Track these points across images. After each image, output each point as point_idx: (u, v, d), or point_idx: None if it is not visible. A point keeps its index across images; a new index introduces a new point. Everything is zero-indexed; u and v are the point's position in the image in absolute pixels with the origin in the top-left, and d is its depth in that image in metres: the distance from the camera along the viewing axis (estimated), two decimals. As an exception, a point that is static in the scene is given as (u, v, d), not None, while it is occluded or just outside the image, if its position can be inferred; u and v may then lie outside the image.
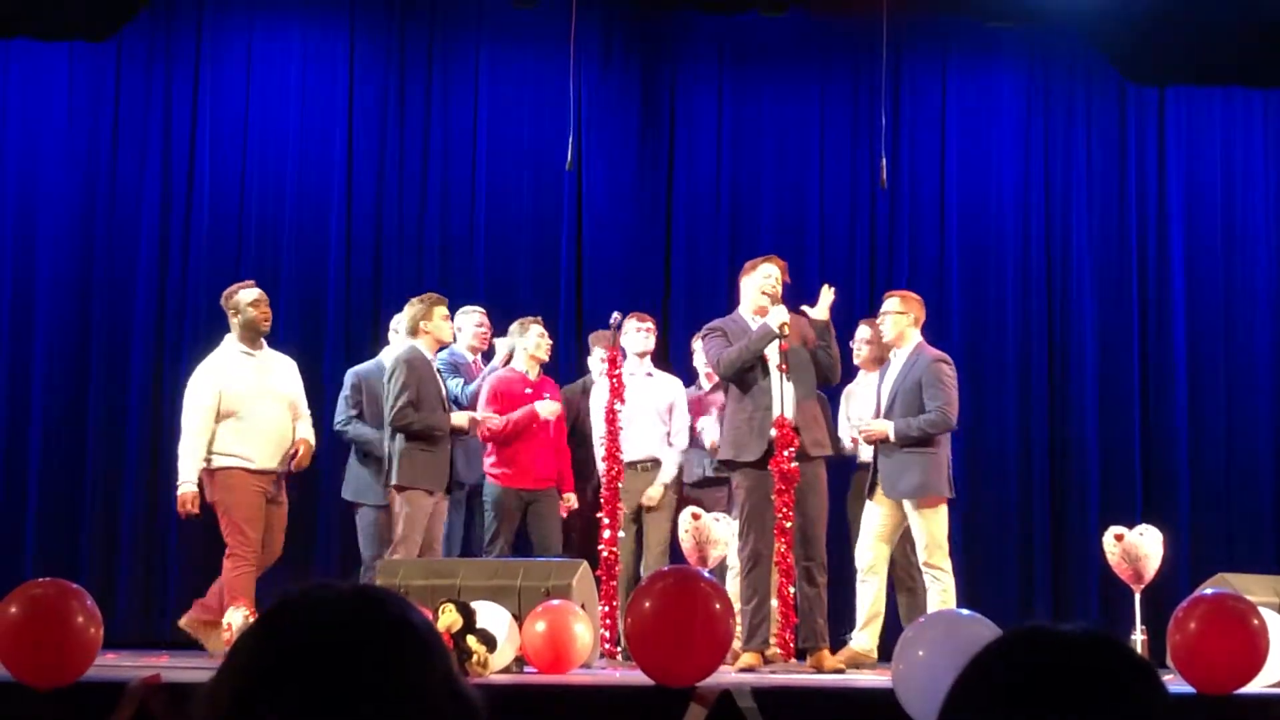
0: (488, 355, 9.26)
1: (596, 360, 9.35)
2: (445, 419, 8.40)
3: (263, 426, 8.16)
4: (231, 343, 8.29)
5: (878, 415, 8.25)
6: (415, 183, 10.86)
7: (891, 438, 8.04)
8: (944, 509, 8.07)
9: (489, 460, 8.83)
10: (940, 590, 7.95)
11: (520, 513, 8.83)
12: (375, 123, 10.87)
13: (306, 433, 8.35)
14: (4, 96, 10.54)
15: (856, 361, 9.14)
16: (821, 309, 7.92)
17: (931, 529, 7.99)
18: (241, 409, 8.12)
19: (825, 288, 8.00)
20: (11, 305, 10.33)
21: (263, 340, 8.34)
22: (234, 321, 8.29)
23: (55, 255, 10.39)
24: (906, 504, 8.04)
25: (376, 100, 10.89)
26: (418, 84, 10.95)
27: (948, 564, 8.02)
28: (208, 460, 8.07)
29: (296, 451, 8.27)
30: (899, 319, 8.28)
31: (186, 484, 8.08)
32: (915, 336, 8.31)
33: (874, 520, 8.18)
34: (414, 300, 8.66)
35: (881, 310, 8.41)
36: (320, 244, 10.64)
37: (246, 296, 8.28)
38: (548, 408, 8.75)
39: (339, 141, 10.76)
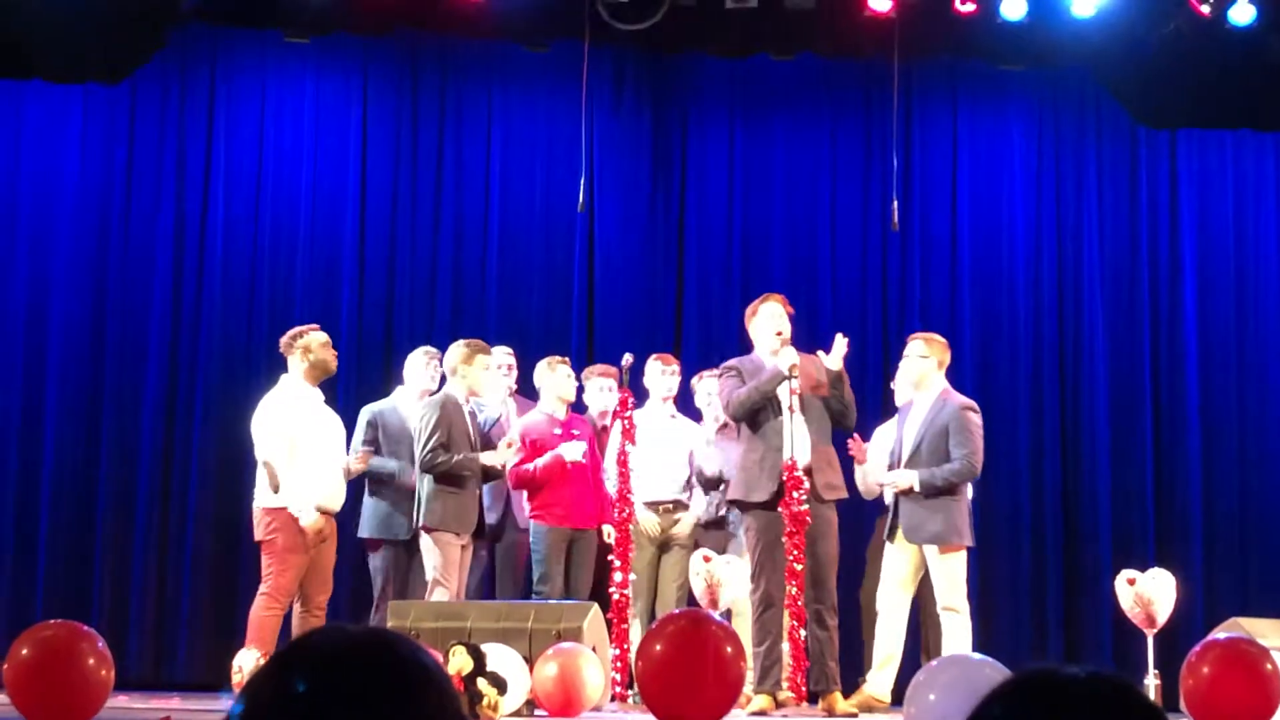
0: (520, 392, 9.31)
1: (594, 392, 9.36)
2: (476, 460, 8.38)
3: (324, 467, 8.18)
4: (297, 383, 8.28)
5: (898, 458, 8.21)
6: (428, 224, 10.89)
7: (916, 489, 7.99)
8: (963, 555, 8.04)
9: (531, 503, 8.81)
10: (956, 632, 7.92)
11: (565, 552, 8.80)
12: (389, 165, 10.90)
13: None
14: (19, 137, 10.57)
15: (899, 403, 8.98)
16: (835, 359, 7.91)
17: (950, 574, 7.96)
18: (304, 450, 8.13)
19: (839, 337, 7.99)
20: (25, 346, 10.33)
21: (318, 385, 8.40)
22: (299, 362, 8.27)
23: (69, 297, 10.40)
24: (928, 549, 8.01)
25: (390, 143, 10.92)
26: (431, 127, 10.98)
27: (965, 606, 7.99)
28: (270, 498, 8.07)
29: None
30: (923, 363, 8.24)
31: (308, 514, 8.01)
32: (940, 381, 8.25)
33: (896, 566, 8.13)
34: (459, 343, 8.66)
35: (905, 353, 8.37)
36: (333, 286, 10.66)
37: (318, 338, 8.32)
38: (572, 451, 8.71)
39: (352, 184, 10.79)
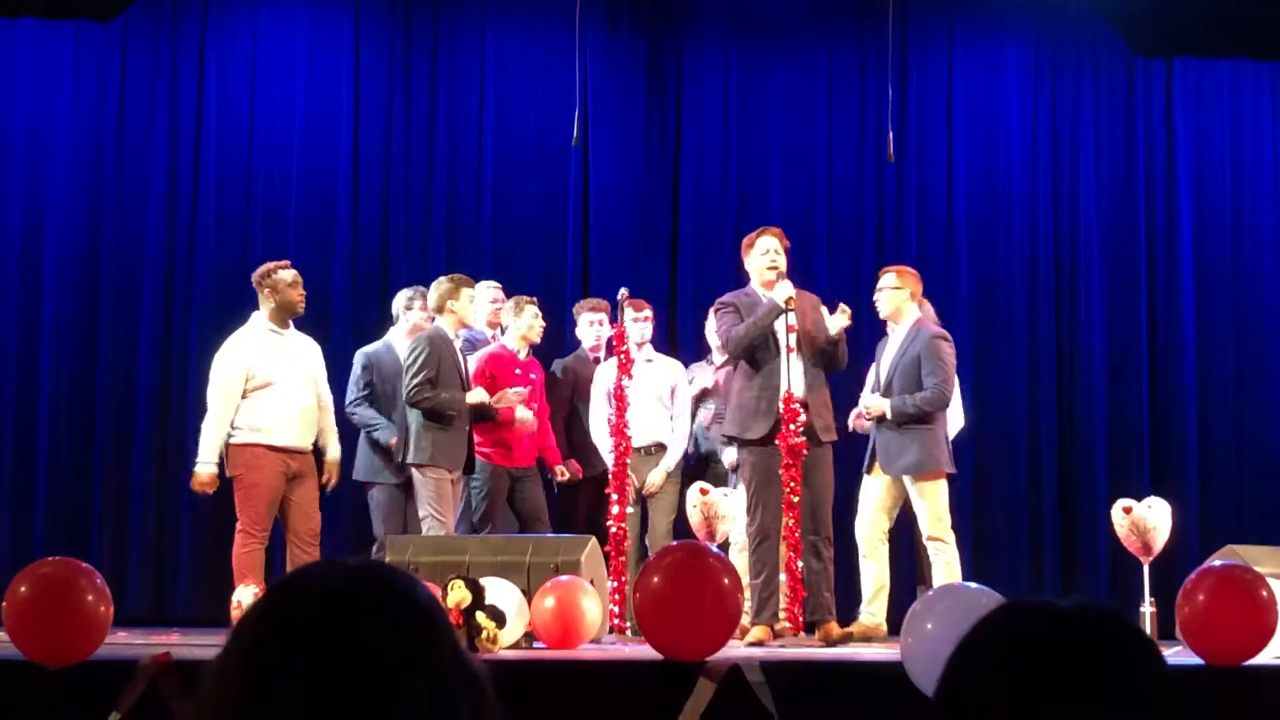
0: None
1: (585, 326, 9.39)
2: (461, 398, 8.41)
3: (287, 403, 8.15)
4: (260, 320, 8.27)
5: (877, 390, 8.24)
6: (422, 159, 10.86)
7: (889, 416, 8.04)
8: (943, 483, 8.07)
9: (479, 438, 8.79)
10: (944, 562, 7.97)
11: (507, 492, 8.86)
12: (381, 99, 10.86)
13: (333, 451, 8.43)
14: (10, 76, 10.53)
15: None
16: (835, 327, 7.85)
17: (932, 503, 8.00)
18: (266, 385, 8.11)
19: (843, 308, 7.90)
20: (20, 286, 10.33)
21: (290, 321, 8.36)
22: (267, 300, 8.26)
23: (62, 236, 10.39)
24: (906, 479, 8.05)
25: (382, 77, 10.88)
26: (423, 60, 10.93)
27: (950, 536, 8.03)
28: (230, 435, 8.09)
29: (329, 480, 8.38)
30: (895, 294, 8.25)
31: (205, 464, 8.08)
32: (913, 311, 8.27)
33: (873, 495, 8.20)
34: (442, 279, 8.66)
35: (877, 286, 8.38)
36: (327, 223, 10.64)
37: (286, 277, 8.27)
38: (524, 419, 8.72)
39: (345, 119, 10.75)
